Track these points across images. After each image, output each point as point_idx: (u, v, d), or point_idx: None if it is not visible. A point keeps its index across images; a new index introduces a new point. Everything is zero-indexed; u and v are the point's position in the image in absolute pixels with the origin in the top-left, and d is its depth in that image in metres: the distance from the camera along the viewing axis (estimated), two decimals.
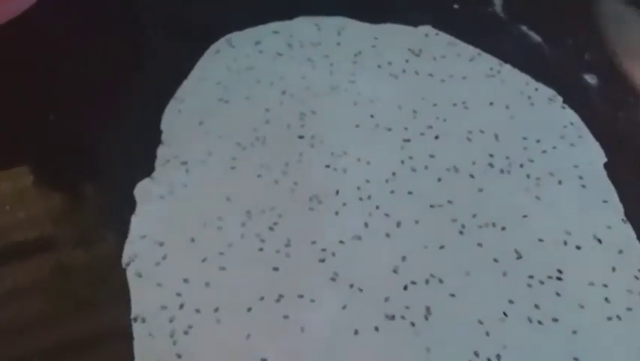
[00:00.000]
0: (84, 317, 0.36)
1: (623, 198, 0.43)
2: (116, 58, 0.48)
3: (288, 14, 0.52)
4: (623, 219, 0.42)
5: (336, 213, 0.41)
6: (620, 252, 0.40)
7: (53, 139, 0.44)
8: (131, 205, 0.40)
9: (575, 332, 0.37)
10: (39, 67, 0.47)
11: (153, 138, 0.44)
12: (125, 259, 0.38)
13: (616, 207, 0.42)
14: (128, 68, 0.48)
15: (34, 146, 0.43)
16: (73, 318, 0.37)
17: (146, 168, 0.42)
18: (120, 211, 0.40)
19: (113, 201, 0.41)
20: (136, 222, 0.40)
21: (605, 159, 0.45)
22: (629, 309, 0.38)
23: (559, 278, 0.39)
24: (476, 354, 0.36)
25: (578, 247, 0.40)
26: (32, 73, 0.46)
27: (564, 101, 0.48)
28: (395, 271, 0.39)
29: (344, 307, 0.37)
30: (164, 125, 0.44)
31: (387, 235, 0.40)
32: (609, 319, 0.37)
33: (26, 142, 0.43)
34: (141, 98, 0.46)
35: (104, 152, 0.43)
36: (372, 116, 0.46)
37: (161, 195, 0.41)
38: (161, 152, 0.43)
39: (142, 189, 0.41)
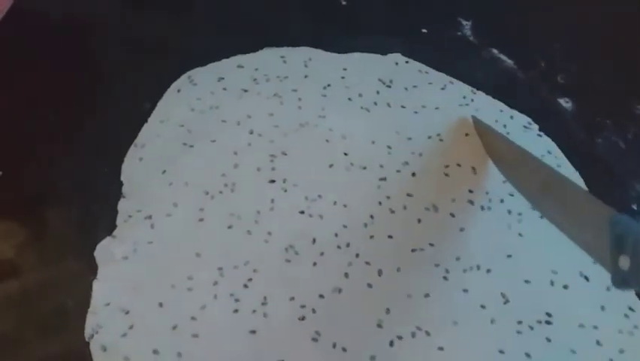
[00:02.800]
0: None
1: None
2: (68, 97, 0.45)
3: (252, 46, 0.50)
4: None
5: (314, 264, 0.39)
6: (608, 289, 0.39)
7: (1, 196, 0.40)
8: (92, 268, 0.37)
9: None
10: None
11: (113, 190, 0.41)
12: (87, 331, 0.35)
13: None
14: (81, 110, 0.45)
15: None
16: None
17: (107, 224, 0.39)
18: (80, 276, 0.37)
19: (71, 266, 0.38)
20: (98, 288, 0.37)
21: (585, 189, 0.44)
22: (622, 351, 0.37)
23: (548, 322, 0.38)
24: None
25: (565, 287, 0.39)
26: None
27: (540, 129, 0.47)
28: (380, 326, 0.37)
29: None
30: (125, 175, 0.41)
31: (369, 286, 0.38)
32: None
33: None
34: (97, 146, 0.43)
35: (59, 209, 0.40)
36: (345, 154, 0.44)
37: (124, 255, 0.38)
38: (123, 206, 0.40)
39: (103, 250, 0.38)
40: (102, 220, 0.39)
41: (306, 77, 0.48)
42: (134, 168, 0.42)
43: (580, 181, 0.44)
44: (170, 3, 0.52)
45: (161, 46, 0.49)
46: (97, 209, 0.40)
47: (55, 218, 0.39)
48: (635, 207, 0.44)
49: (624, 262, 0.31)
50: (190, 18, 0.51)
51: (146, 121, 0.44)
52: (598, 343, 0.37)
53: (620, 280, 0.31)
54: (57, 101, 0.45)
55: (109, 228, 0.39)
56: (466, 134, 0.46)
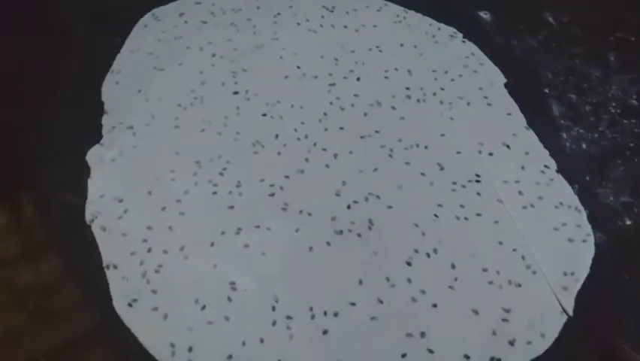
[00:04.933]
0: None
1: (523, 110, 0.49)
2: (47, 44, 0.50)
3: None
4: (525, 127, 0.48)
5: (279, 153, 0.45)
6: (527, 153, 0.47)
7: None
8: (85, 172, 0.43)
9: (496, 222, 0.43)
10: None
11: (96, 109, 0.46)
12: (88, 217, 0.41)
13: (518, 118, 0.49)
14: (59, 48, 0.50)
15: None
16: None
17: (95, 136, 0.45)
18: (76, 178, 0.42)
19: (69, 171, 0.43)
20: (93, 184, 0.42)
21: (504, 80, 0.51)
22: (540, 198, 0.44)
23: (477, 181, 0.45)
24: (416, 251, 0.41)
25: (491, 154, 0.46)
26: None
27: (464, 37, 0.55)
28: (338, 195, 0.43)
29: (297, 230, 0.41)
30: (105, 96, 0.47)
31: (327, 166, 0.45)
32: (524, 208, 0.44)
33: None
34: (77, 75, 0.48)
35: (53, 130, 0.45)
36: (298, 67, 0.50)
37: (112, 157, 0.44)
38: (106, 120, 0.46)
39: (94, 155, 0.44)
40: (89, 134, 0.45)
41: (258, 8, 0.54)
42: (112, 89, 0.47)
43: (499, 74, 0.52)
44: None
45: None
46: (83, 125, 0.45)
47: (50, 136, 0.45)
48: (546, 90, 0.51)
49: None
50: None
51: (119, 52, 0.50)
52: (520, 193, 0.44)
53: None
54: (36, 43, 0.50)
55: (96, 139, 0.45)
56: (401, 45, 0.53)
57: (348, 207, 0.43)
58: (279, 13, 0.54)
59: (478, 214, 0.43)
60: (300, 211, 0.42)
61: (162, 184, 0.43)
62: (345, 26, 0.54)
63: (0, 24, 0.51)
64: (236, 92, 0.48)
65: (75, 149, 0.44)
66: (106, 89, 0.47)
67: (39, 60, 0.49)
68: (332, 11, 0.55)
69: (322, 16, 0.55)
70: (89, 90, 0.47)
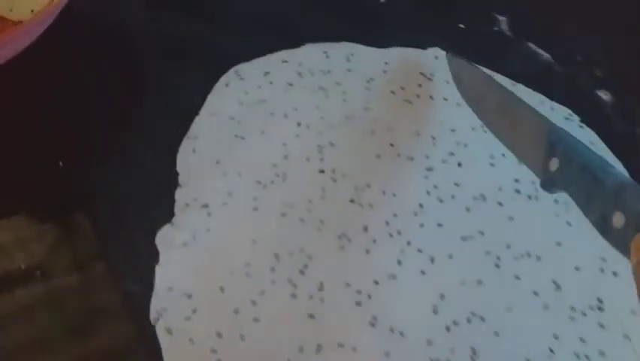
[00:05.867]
0: None
1: None
2: (121, 96, 0.46)
3: (294, 42, 0.50)
4: None
5: (367, 251, 0.40)
6: None
7: (63, 187, 0.41)
8: (153, 254, 0.38)
9: None
10: (39, 113, 0.44)
11: (170, 180, 0.42)
12: (153, 315, 0.36)
13: None
14: (134, 106, 0.46)
15: (44, 194, 0.41)
16: None
17: (166, 212, 0.40)
18: (143, 262, 0.38)
19: (134, 252, 0.39)
20: (161, 272, 0.38)
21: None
22: None
23: (600, 308, 0.38)
24: None
25: (615, 274, 0.40)
26: (34, 120, 0.44)
27: (581, 120, 0.48)
28: (435, 312, 0.37)
29: (387, 354, 0.36)
30: (180, 166, 0.42)
31: (423, 272, 0.39)
32: None
33: (35, 191, 0.41)
34: (152, 138, 0.44)
35: (119, 198, 0.41)
36: (391, 145, 0.45)
37: (184, 242, 0.39)
38: (180, 195, 0.41)
39: (164, 237, 0.39)
40: (161, 208, 0.40)
41: (349, 70, 0.49)
42: (188, 158, 0.43)
43: (623, 170, 0.45)
44: (206, 6, 0.52)
45: (205, 44, 0.50)
46: (155, 198, 0.41)
47: (115, 207, 0.41)
48: None
49: (553, 165, 0.34)
50: (226, 19, 0.52)
51: (198, 114, 0.45)
52: None
53: (548, 183, 0.35)
54: (108, 99, 0.46)
55: (167, 215, 0.40)
56: None
57: (447, 329, 0.37)
58: (372, 79, 0.49)
59: (602, 353, 0.36)
60: (391, 329, 0.36)
61: (236, 280, 0.38)
62: (445, 98, 0.48)
63: (78, 78, 0.47)
64: (322, 171, 0.43)
65: (144, 226, 0.40)
66: (181, 158, 0.43)
67: (112, 116, 0.45)
68: (430, 79, 0.49)
69: (419, 85, 0.49)
70: (163, 155, 0.43)
